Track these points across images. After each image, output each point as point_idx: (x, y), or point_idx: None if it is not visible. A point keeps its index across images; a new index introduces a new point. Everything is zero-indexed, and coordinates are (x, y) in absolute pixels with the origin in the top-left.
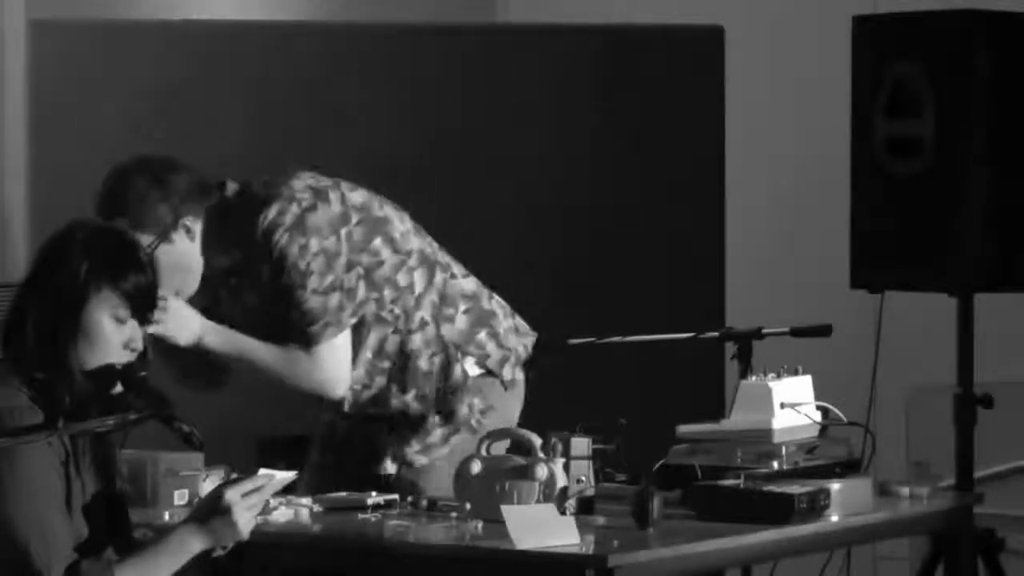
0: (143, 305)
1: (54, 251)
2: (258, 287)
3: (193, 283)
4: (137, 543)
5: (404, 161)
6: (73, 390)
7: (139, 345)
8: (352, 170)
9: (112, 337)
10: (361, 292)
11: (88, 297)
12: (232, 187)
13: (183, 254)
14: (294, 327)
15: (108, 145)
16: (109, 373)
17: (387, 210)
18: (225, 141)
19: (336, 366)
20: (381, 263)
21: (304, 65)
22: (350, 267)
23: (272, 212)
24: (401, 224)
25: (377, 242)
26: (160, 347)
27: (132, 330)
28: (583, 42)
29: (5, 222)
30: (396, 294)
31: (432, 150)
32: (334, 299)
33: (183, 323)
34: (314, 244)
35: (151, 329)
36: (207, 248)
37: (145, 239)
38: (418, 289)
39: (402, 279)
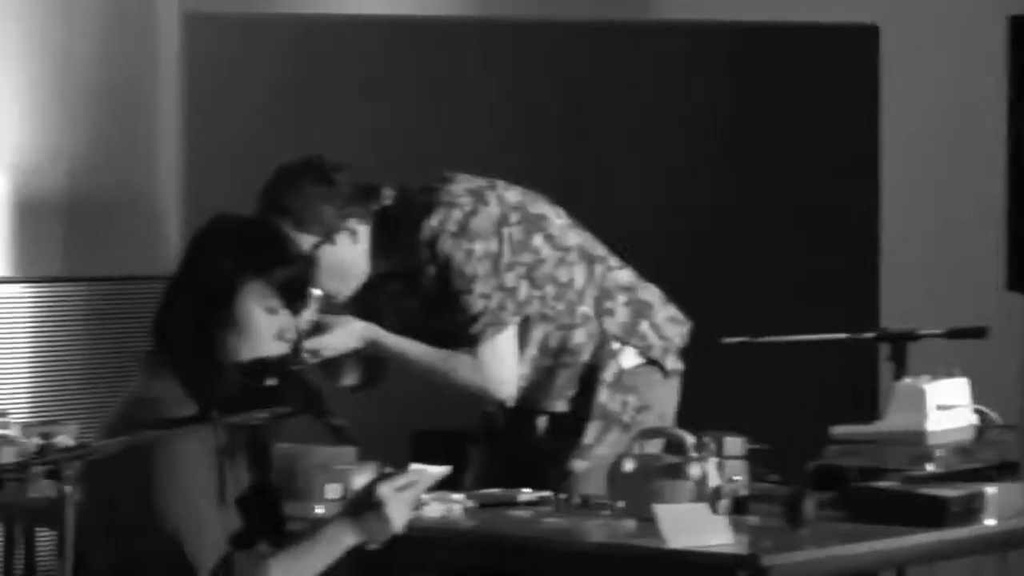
0: (294, 295)
1: (204, 244)
2: (421, 293)
3: (352, 286)
4: (290, 536)
5: (548, 159)
6: (226, 382)
7: (292, 336)
8: (499, 170)
9: (264, 328)
10: (523, 291)
11: (237, 288)
12: (388, 192)
13: (345, 256)
14: (459, 330)
15: (260, 139)
16: (262, 365)
17: (543, 207)
18: (375, 140)
19: (501, 366)
20: (542, 261)
21: (445, 62)
22: (512, 267)
23: (435, 219)
24: (558, 219)
25: (537, 240)
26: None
27: (284, 321)
28: (736, 40)
29: (158, 215)
30: (558, 291)
31: (579, 148)
32: (496, 300)
33: (348, 330)
34: (479, 248)
35: (313, 344)
36: (371, 250)
37: (308, 239)
38: (579, 284)
39: (563, 275)
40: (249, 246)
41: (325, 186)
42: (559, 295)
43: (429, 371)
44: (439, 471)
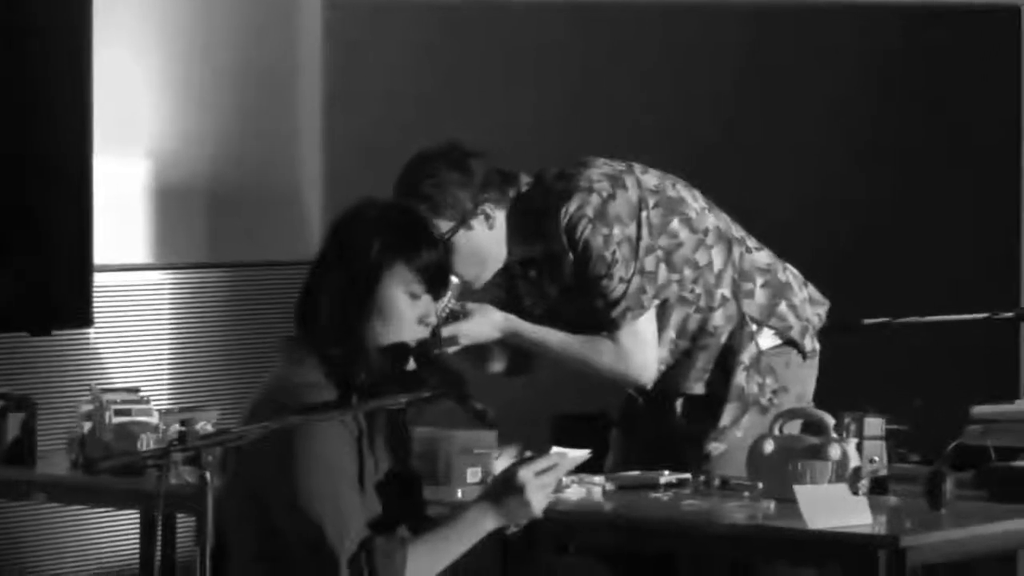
0: (436, 280)
1: (346, 229)
2: (559, 279)
3: (490, 271)
4: (430, 521)
5: (688, 140)
6: (367, 367)
7: (433, 320)
8: (635, 151)
9: (406, 313)
10: (662, 275)
11: (382, 274)
12: (525, 179)
13: (482, 241)
14: (599, 315)
15: (401, 125)
16: (403, 350)
17: (680, 190)
18: (516, 126)
19: (642, 350)
20: (680, 244)
21: (590, 45)
22: (650, 251)
23: (574, 205)
24: (695, 202)
25: (674, 223)
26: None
27: (426, 305)
28: (879, 20)
29: (298, 201)
30: (696, 273)
31: (724, 130)
32: (636, 284)
33: (487, 319)
34: (617, 233)
35: (451, 330)
36: (509, 236)
37: (444, 225)
38: (717, 266)
39: (701, 258)
40: (394, 230)
41: (460, 172)
42: (697, 278)
43: (569, 359)
44: (579, 454)
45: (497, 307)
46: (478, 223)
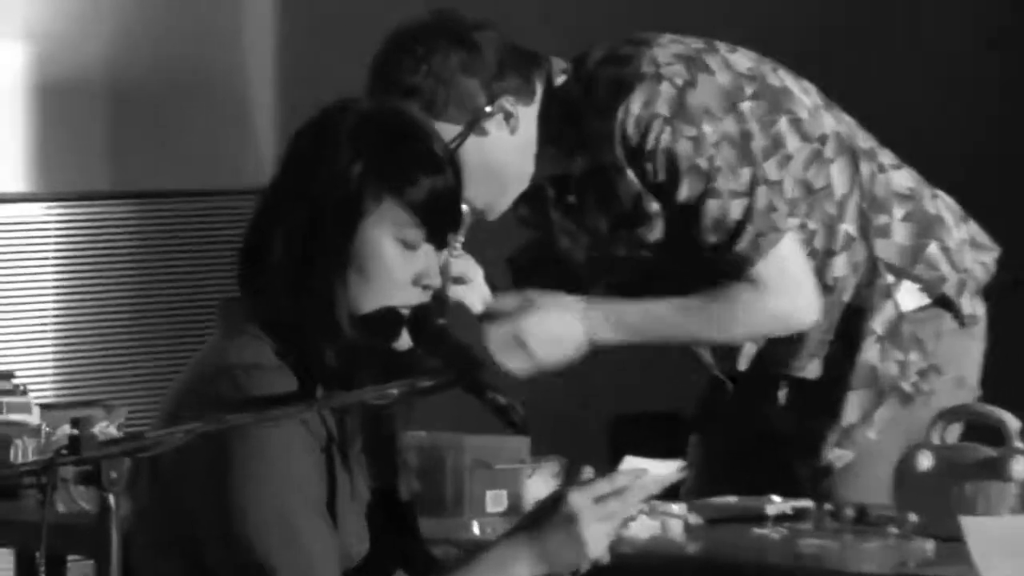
0: (442, 221)
1: (313, 145)
2: (613, 206)
3: (510, 196)
4: (434, 564)
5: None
6: (339, 344)
7: (435, 280)
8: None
9: (397, 268)
10: (788, 187)
11: (363, 211)
12: (560, 64)
13: (500, 152)
14: (716, 253)
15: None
16: (392, 320)
17: (785, 78)
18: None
19: (797, 285)
20: (787, 157)
21: None
22: (769, 152)
23: (637, 101)
24: (807, 97)
25: (780, 125)
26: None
27: (426, 259)
28: None
29: (242, 104)
30: (809, 201)
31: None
32: (761, 197)
33: (558, 337)
34: (710, 131)
35: (516, 327)
36: (538, 146)
37: (445, 130)
38: (839, 190)
39: (816, 177)
40: (381, 145)
41: (466, 52)
42: (811, 207)
43: (686, 337)
44: (666, 471)
45: (524, 256)
46: (494, 126)
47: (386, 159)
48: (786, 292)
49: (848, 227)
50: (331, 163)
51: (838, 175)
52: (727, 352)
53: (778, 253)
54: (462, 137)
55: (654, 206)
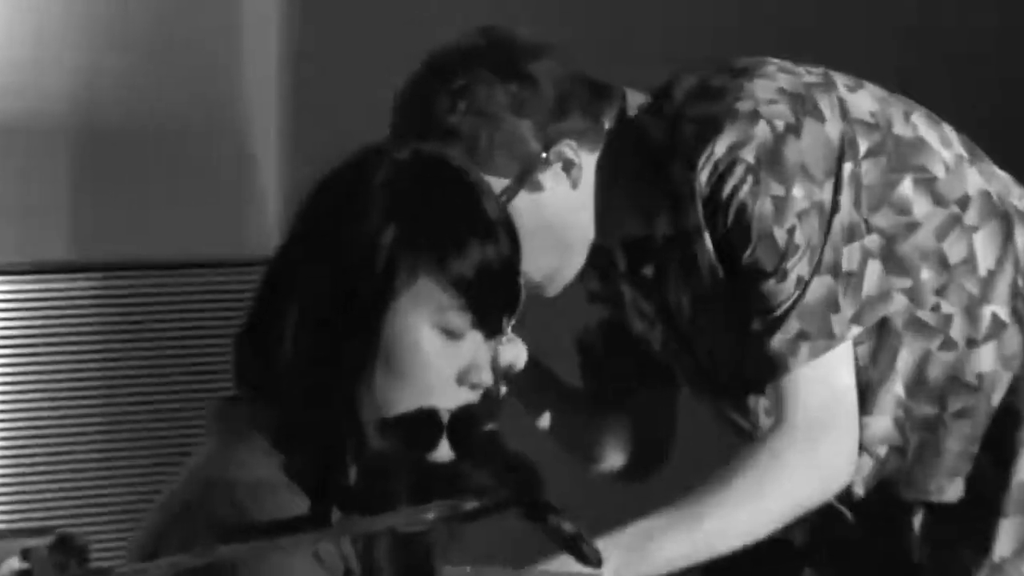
0: (492, 303)
1: (335, 203)
2: (697, 279)
3: (574, 264)
4: None
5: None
6: (363, 455)
7: (485, 376)
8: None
9: (437, 363)
10: (875, 279)
11: (395, 290)
12: (636, 97)
13: (560, 210)
14: (749, 348)
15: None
16: (429, 425)
17: (920, 124)
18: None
19: (831, 416)
20: (915, 225)
21: None
22: (855, 233)
23: (723, 143)
24: (946, 150)
25: (905, 186)
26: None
27: (473, 350)
28: None
29: (241, 159)
30: (944, 278)
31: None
32: (820, 290)
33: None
34: (799, 195)
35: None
36: (604, 201)
37: (496, 184)
38: (985, 265)
39: (953, 250)
40: (419, 205)
41: (516, 84)
42: (945, 285)
43: (700, 550)
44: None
45: (588, 333)
46: (551, 177)
47: (425, 222)
48: (814, 434)
49: (997, 310)
50: (357, 227)
51: (983, 246)
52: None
53: (819, 370)
54: (511, 192)
55: (721, 272)
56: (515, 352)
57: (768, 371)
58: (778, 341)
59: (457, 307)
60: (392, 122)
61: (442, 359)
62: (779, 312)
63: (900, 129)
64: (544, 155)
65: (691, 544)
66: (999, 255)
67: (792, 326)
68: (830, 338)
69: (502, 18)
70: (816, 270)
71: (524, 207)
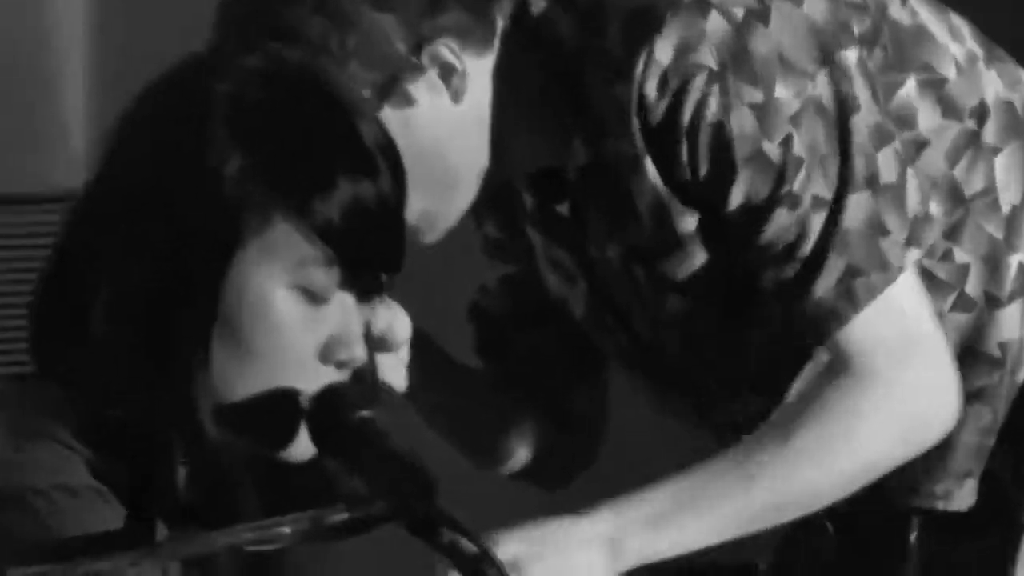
0: (366, 255)
1: (155, 128)
2: (629, 221)
3: (458, 203)
4: None
5: None
6: (196, 451)
7: (355, 351)
8: None
9: (294, 332)
10: (913, 194)
11: (242, 238)
12: None
13: (440, 129)
14: (781, 303)
15: None
16: (284, 413)
17: (919, 10)
18: None
19: (919, 360)
20: (920, 143)
21: None
22: (883, 136)
23: (666, 44)
24: (955, 44)
25: (908, 89)
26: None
27: (341, 316)
28: None
29: (44, 75)
30: (958, 215)
31: None
32: (859, 209)
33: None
34: (787, 96)
35: None
36: (502, 122)
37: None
38: (1007, 199)
39: (969, 178)
40: (272, 130)
41: None
42: (959, 225)
43: (766, 506)
44: None
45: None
46: (425, 88)
47: (282, 149)
48: (907, 375)
49: (1022, 257)
50: (189, 155)
51: (1006, 173)
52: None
53: (887, 306)
54: (371, 108)
55: (688, 221)
56: (393, 319)
57: (813, 332)
58: (822, 289)
59: (321, 261)
60: (216, 26)
61: (301, 328)
62: (806, 250)
63: (897, 13)
64: (414, 59)
65: (733, 515)
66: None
67: (834, 264)
68: (885, 269)
69: None
70: (846, 186)
71: (391, 127)
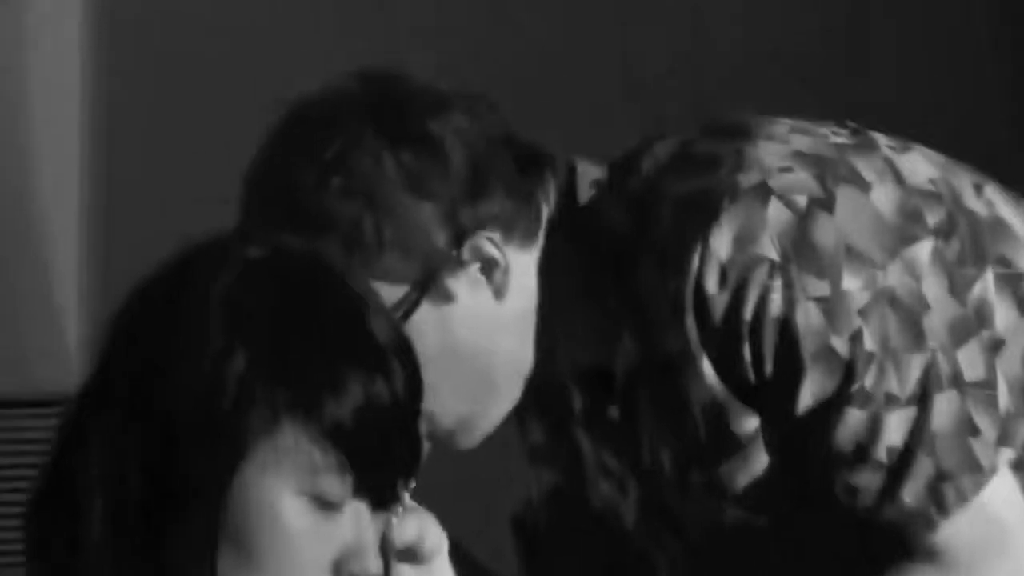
0: (381, 462)
1: (158, 323)
2: (685, 428)
3: (504, 404)
4: None
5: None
6: None
7: (370, 566)
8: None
9: (305, 543)
10: (1004, 390)
11: (247, 443)
12: (590, 171)
13: (481, 328)
14: (859, 509)
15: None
16: None
17: (994, 200)
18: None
19: (999, 553)
20: (996, 343)
21: None
22: (967, 330)
23: (724, 236)
24: None
25: (985, 284)
26: None
27: (354, 526)
28: None
29: (38, 268)
30: None
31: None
32: (946, 408)
33: None
34: (856, 288)
35: None
36: (548, 320)
37: (382, 292)
38: None
39: None
40: (278, 328)
41: (412, 151)
42: None
43: None
44: None
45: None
46: (466, 284)
47: (287, 347)
48: (994, 574)
49: None
50: (187, 359)
51: None
52: None
53: (982, 510)
54: (409, 305)
55: (748, 423)
56: (420, 529)
57: (903, 538)
58: (909, 494)
59: (333, 467)
60: (241, 206)
61: (312, 540)
62: (881, 452)
63: (972, 203)
64: (454, 252)
65: None
66: None
67: (923, 467)
68: (978, 472)
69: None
70: (931, 386)
71: (428, 325)
